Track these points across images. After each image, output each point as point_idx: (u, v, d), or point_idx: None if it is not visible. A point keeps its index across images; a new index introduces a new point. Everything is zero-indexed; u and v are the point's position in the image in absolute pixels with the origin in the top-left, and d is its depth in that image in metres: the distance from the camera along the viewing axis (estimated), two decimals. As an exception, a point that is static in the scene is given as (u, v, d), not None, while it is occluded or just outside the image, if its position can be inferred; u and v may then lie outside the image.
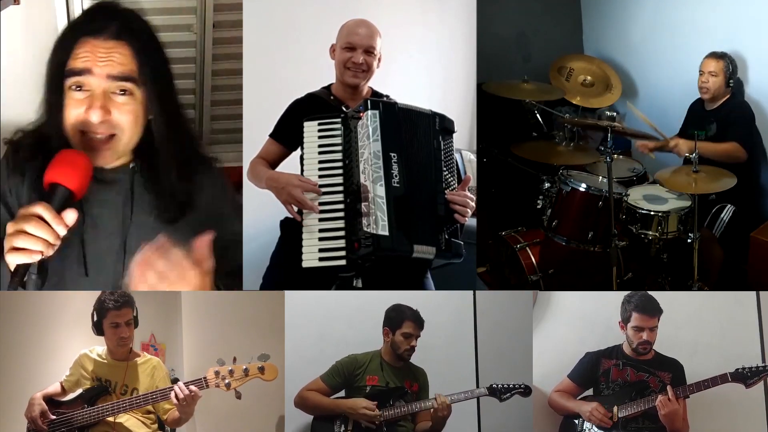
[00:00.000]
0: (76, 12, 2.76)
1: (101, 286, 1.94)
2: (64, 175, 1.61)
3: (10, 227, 1.56)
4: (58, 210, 1.59)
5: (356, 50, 2.41)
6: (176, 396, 2.02)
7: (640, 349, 2.22)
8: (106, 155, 1.80)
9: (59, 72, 1.76)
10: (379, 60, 2.47)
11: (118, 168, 1.87)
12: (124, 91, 1.76)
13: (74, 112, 1.75)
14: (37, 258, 1.56)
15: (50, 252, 1.57)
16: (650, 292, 2.26)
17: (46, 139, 1.79)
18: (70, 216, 1.59)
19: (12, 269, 1.57)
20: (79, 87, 1.75)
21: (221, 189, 2.02)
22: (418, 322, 2.28)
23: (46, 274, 1.64)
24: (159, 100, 1.81)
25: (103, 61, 1.74)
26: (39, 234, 1.54)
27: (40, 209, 1.56)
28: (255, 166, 2.46)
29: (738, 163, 2.96)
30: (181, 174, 1.87)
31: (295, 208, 2.19)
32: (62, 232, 1.58)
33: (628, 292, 2.27)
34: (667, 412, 2.09)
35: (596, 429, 2.18)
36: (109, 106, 1.75)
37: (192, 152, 1.94)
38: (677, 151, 3.04)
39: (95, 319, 2.14)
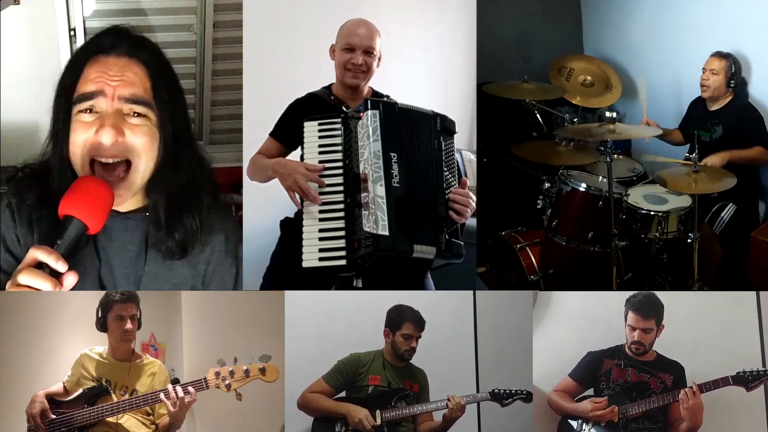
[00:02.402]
0: (76, 12, 2.76)
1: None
2: (79, 206, 1.51)
3: (11, 281, 1.47)
4: (71, 244, 1.50)
5: (356, 51, 2.41)
6: (168, 396, 2.01)
7: (633, 348, 2.22)
8: (121, 188, 1.67)
9: (67, 98, 1.65)
10: (379, 60, 2.47)
11: (132, 213, 1.78)
12: (137, 114, 1.66)
13: (82, 137, 1.63)
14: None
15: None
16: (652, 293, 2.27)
17: (50, 178, 1.67)
18: (70, 279, 1.49)
19: None
20: (89, 110, 1.64)
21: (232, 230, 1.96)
22: (419, 323, 2.28)
23: None
24: (173, 126, 1.70)
25: (116, 80, 1.63)
26: (37, 286, 1.46)
27: (42, 255, 1.46)
28: (257, 159, 2.46)
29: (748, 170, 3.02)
30: (195, 214, 1.80)
31: (298, 196, 2.19)
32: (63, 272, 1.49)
33: (632, 292, 2.27)
34: (691, 406, 2.09)
35: (596, 429, 2.18)
36: (122, 127, 1.63)
37: (206, 189, 1.84)
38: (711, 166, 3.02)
39: (100, 314, 2.13)
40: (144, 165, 1.68)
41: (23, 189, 1.74)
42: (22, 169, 1.78)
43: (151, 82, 1.67)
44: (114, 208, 1.66)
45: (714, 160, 2.98)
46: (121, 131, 1.63)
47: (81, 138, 1.63)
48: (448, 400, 2.20)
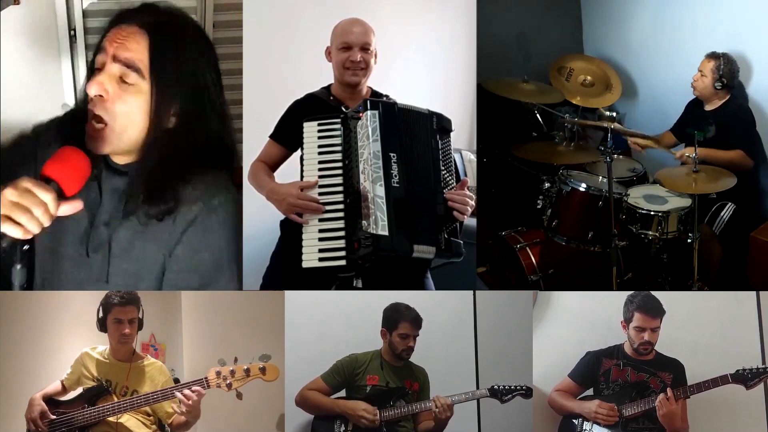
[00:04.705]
0: (77, 12, 2.76)
1: (95, 273, 1.90)
2: (58, 170, 1.63)
3: (13, 194, 1.54)
4: None
5: (353, 49, 2.41)
6: (182, 401, 2.02)
7: (641, 349, 2.22)
8: (103, 145, 1.79)
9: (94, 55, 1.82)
10: (376, 57, 2.47)
11: (125, 166, 1.87)
12: (126, 81, 1.76)
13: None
14: (28, 236, 1.57)
15: (29, 236, 1.57)
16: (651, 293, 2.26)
17: (68, 127, 1.83)
18: (64, 208, 1.61)
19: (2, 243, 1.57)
20: (98, 68, 1.78)
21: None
22: (416, 322, 2.28)
23: (30, 266, 1.68)
24: (181, 101, 1.79)
25: (118, 43, 1.76)
26: (40, 218, 1.55)
27: (47, 197, 1.56)
28: (256, 173, 2.44)
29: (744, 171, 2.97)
30: (186, 185, 1.85)
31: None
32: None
33: (631, 291, 2.26)
34: (666, 413, 2.10)
35: (597, 429, 2.18)
36: (108, 86, 1.75)
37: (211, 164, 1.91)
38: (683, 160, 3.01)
39: (101, 315, 2.14)
40: (121, 128, 1.78)
41: (37, 134, 1.90)
42: (39, 126, 1.93)
43: (150, 54, 1.76)
44: (113, 157, 1.85)
45: (689, 152, 2.96)
46: (104, 88, 1.74)
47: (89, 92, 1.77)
48: (434, 401, 2.20)
